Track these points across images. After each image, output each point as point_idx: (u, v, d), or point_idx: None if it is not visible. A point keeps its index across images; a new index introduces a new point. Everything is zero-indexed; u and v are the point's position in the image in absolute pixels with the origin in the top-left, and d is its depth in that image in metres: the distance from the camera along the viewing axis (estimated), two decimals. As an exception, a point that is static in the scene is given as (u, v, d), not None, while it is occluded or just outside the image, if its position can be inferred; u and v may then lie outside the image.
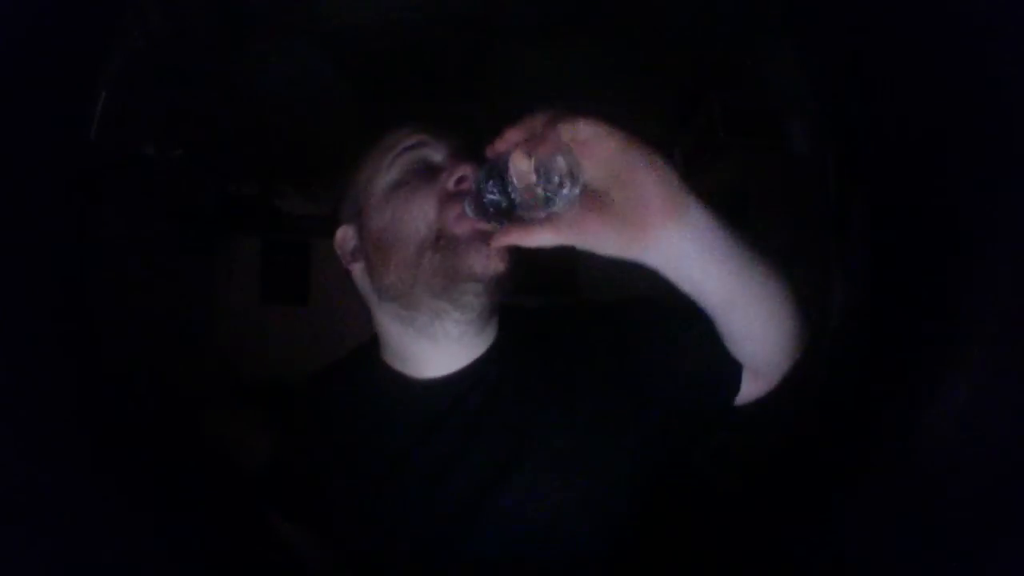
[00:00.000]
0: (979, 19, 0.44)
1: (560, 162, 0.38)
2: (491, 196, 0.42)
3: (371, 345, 0.62)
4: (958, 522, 0.41)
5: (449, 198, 0.52)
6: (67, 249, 0.59)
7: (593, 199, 0.41)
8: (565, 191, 0.38)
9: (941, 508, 0.43)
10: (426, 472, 0.54)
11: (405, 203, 0.53)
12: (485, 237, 0.50)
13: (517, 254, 0.53)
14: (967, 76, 0.46)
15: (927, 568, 0.42)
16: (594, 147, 0.40)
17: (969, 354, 0.45)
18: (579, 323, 0.61)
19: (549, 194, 0.38)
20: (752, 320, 0.48)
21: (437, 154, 0.56)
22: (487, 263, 0.50)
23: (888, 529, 0.47)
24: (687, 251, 0.43)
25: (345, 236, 0.59)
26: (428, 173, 0.55)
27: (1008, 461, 0.38)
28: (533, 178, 0.38)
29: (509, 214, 0.43)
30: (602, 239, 0.42)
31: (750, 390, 0.55)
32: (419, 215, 0.52)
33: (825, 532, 0.54)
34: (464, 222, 0.50)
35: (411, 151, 0.56)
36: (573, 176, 0.39)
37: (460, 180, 0.51)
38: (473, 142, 0.47)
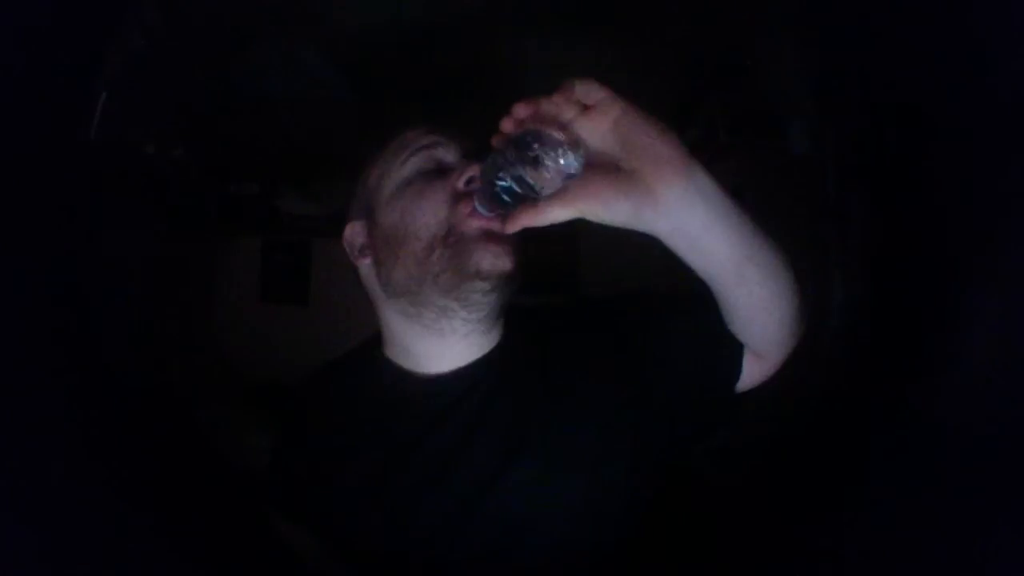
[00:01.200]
0: (979, 19, 0.44)
1: (564, 133, 0.41)
2: (502, 183, 0.43)
3: (374, 341, 0.62)
4: (957, 520, 0.41)
5: (460, 197, 0.52)
6: (67, 249, 0.59)
7: (602, 167, 0.42)
8: (573, 159, 0.40)
9: (941, 506, 0.43)
10: (427, 468, 0.54)
11: (416, 200, 0.53)
12: (494, 236, 0.51)
13: (524, 253, 0.53)
14: (967, 76, 0.46)
15: (927, 566, 0.42)
16: (602, 111, 0.42)
17: (969, 352, 0.45)
18: (580, 321, 0.62)
19: (560, 163, 0.40)
20: (758, 292, 0.48)
21: (450, 155, 0.57)
22: (495, 261, 0.51)
23: (888, 527, 0.47)
24: (697, 213, 0.43)
25: (353, 232, 0.60)
26: (440, 173, 0.55)
27: (1008, 459, 0.38)
28: (545, 149, 0.40)
29: (522, 197, 0.43)
30: (614, 206, 0.42)
31: (752, 373, 0.55)
32: (430, 212, 0.52)
33: (825, 530, 0.54)
34: (474, 220, 0.51)
35: (424, 151, 0.56)
36: (577, 144, 0.41)
37: (471, 180, 0.52)
38: (486, 145, 0.48)
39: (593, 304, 0.65)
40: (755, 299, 0.49)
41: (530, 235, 0.50)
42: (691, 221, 0.43)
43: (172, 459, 0.68)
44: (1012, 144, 0.42)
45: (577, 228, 0.45)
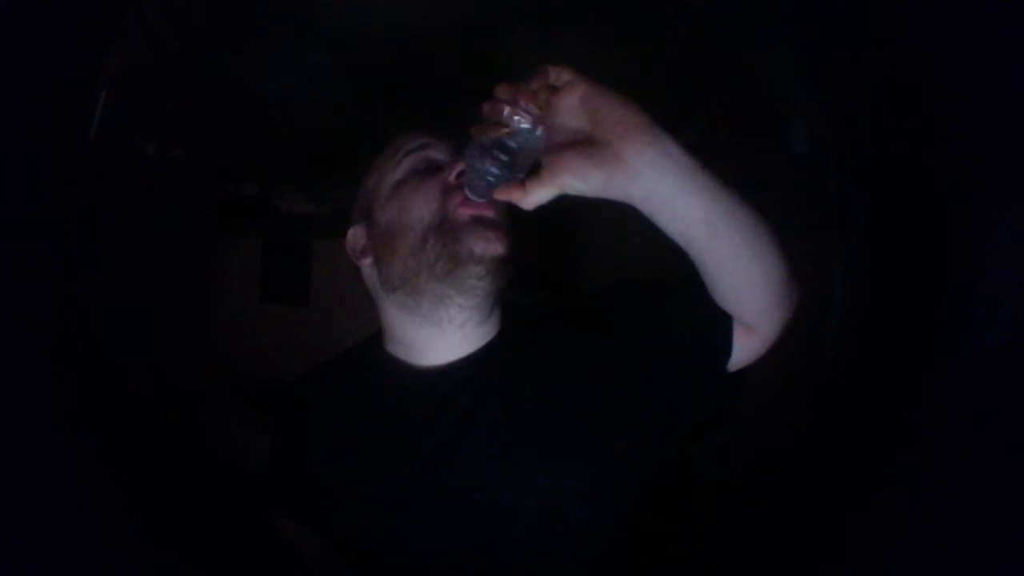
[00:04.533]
0: (979, 19, 0.44)
1: (535, 105, 0.46)
2: (488, 151, 0.47)
3: (374, 338, 0.63)
4: (958, 519, 0.41)
5: (451, 189, 0.55)
6: (67, 248, 0.59)
7: (576, 144, 0.46)
8: (541, 126, 0.46)
9: (941, 506, 0.43)
10: (424, 461, 0.54)
11: (410, 196, 0.56)
12: (485, 221, 0.53)
13: (517, 238, 0.55)
14: (967, 75, 0.47)
15: (928, 565, 0.42)
16: (570, 90, 0.46)
17: (970, 352, 0.45)
18: (574, 315, 0.63)
19: (530, 128, 0.46)
20: (736, 250, 0.49)
21: (441, 154, 0.59)
22: (487, 245, 0.52)
23: (888, 526, 0.47)
24: (666, 175, 0.46)
25: (355, 236, 0.62)
26: (432, 171, 0.58)
27: (1010, 458, 0.38)
28: (517, 116, 0.46)
29: (507, 166, 0.48)
30: (588, 177, 0.45)
31: (746, 349, 0.56)
32: (423, 205, 0.55)
33: (825, 530, 0.54)
34: (465, 209, 0.53)
35: (416, 152, 0.59)
36: (547, 114, 0.46)
37: (461, 173, 0.54)
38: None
39: (585, 298, 0.67)
40: (734, 258, 0.50)
41: (525, 227, 0.52)
42: (661, 184, 0.46)
43: (173, 459, 0.68)
44: (1012, 142, 0.43)
45: (576, 227, 0.46)
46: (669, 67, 1.47)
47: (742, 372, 0.58)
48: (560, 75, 0.47)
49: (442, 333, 0.57)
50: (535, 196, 0.46)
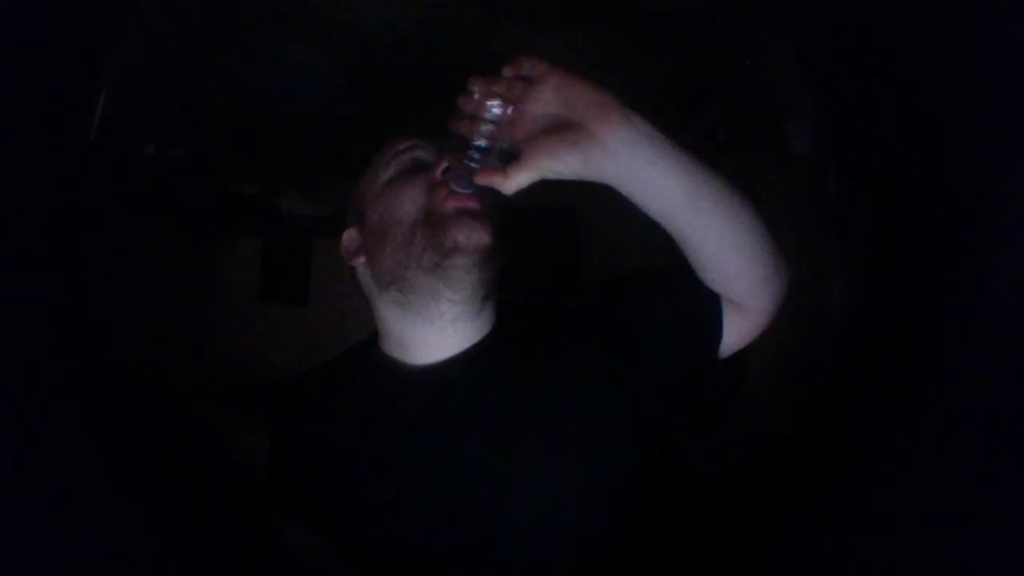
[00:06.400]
0: (980, 19, 0.44)
1: (507, 92, 0.50)
2: (475, 142, 0.50)
3: (370, 339, 0.63)
4: (957, 521, 0.41)
5: (436, 185, 0.56)
6: (67, 249, 0.60)
7: (552, 130, 0.48)
8: (511, 107, 0.50)
9: (939, 506, 0.43)
10: (420, 459, 0.55)
11: (397, 193, 0.58)
12: (470, 212, 0.55)
13: (501, 230, 0.56)
14: (967, 76, 0.47)
15: (927, 567, 0.42)
16: (543, 80, 0.48)
17: (969, 352, 0.45)
18: (566, 311, 0.63)
19: (503, 111, 0.49)
20: (718, 224, 0.50)
21: (428, 154, 0.61)
22: (471, 235, 0.54)
23: (888, 529, 0.47)
24: (641, 152, 0.48)
25: (350, 237, 0.64)
26: (419, 170, 0.60)
27: (1008, 459, 0.39)
28: (490, 105, 0.49)
29: (487, 151, 0.50)
30: (565, 159, 0.47)
31: (738, 331, 0.56)
32: (410, 201, 0.57)
33: (825, 530, 0.54)
34: (450, 202, 0.55)
35: (405, 153, 0.61)
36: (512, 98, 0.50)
37: (446, 170, 0.56)
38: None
39: (576, 295, 0.68)
40: (717, 233, 0.51)
41: (525, 227, 0.53)
42: (636, 161, 0.48)
43: (172, 459, 0.68)
44: (1012, 143, 0.43)
45: (575, 226, 0.46)
46: (669, 68, 1.48)
47: (738, 362, 0.58)
48: (534, 66, 0.49)
49: (434, 329, 0.57)
50: (515, 180, 0.48)
